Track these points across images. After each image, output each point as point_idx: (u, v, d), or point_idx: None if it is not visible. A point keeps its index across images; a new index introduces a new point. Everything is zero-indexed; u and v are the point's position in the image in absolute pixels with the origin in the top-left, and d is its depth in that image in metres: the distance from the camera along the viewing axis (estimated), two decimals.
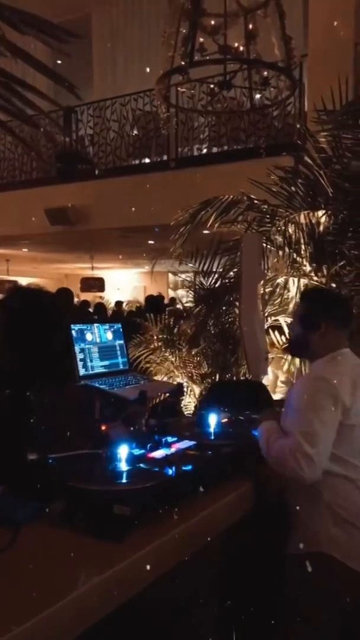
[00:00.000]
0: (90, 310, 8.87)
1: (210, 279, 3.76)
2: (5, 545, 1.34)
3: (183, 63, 3.56)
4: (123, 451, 1.75)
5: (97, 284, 13.89)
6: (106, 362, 2.12)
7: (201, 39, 3.68)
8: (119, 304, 12.15)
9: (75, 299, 11.92)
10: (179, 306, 4.56)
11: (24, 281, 14.97)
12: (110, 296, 14.10)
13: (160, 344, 3.73)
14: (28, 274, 15.61)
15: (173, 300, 7.35)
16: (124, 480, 1.62)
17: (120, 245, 10.29)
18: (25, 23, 1.22)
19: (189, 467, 1.72)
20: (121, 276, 15.68)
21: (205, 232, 4.08)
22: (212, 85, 4.21)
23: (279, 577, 1.86)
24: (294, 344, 2.27)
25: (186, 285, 4.09)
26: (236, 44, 3.77)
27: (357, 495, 1.87)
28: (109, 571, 1.31)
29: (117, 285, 15.61)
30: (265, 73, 3.70)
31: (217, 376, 3.56)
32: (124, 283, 15.72)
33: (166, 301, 9.54)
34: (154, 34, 8.19)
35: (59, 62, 9.88)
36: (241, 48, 3.79)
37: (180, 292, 9.86)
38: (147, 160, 8.30)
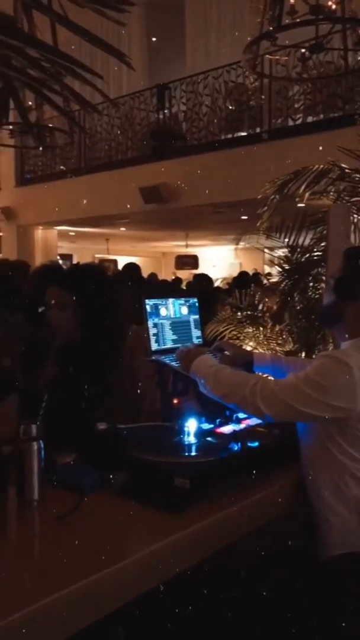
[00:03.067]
0: (183, 287, 8.94)
1: (297, 253, 3.63)
2: (69, 510, 1.40)
3: (271, 28, 3.41)
4: (191, 425, 1.75)
5: (191, 261, 13.99)
6: (179, 337, 2.12)
7: (291, 0, 3.50)
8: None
9: (172, 277, 12.12)
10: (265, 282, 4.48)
11: (123, 260, 15.43)
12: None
13: (244, 319, 3.69)
14: (127, 253, 16.04)
15: (257, 275, 7.22)
16: (186, 453, 1.63)
17: (213, 222, 10.24)
18: None
19: (255, 444, 1.69)
20: (216, 253, 15.65)
21: (301, 205, 3.94)
22: (303, 50, 4.00)
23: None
24: (324, 313, 1.93)
25: (270, 260, 3.98)
26: (329, 3, 3.55)
27: None
28: (166, 540, 1.33)
29: (213, 262, 15.61)
30: None
31: (303, 354, 3.46)
32: (219, 260, 15.69)
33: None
34: (247, 2, 7.95)
35: (154, 39, 9.95)
36: (334, 7, 3.56)
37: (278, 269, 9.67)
38: (240, 134, 8.14)
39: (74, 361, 1.98)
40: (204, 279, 6.88)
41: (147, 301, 2.08)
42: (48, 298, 2.09)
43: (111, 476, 1.56)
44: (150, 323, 2.07)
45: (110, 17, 1.41)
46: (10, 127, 4.34)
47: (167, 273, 15.62)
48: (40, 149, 7.34)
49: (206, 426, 1.83)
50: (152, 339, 2.06)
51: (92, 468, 1.61)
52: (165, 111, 8.84)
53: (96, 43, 1.35)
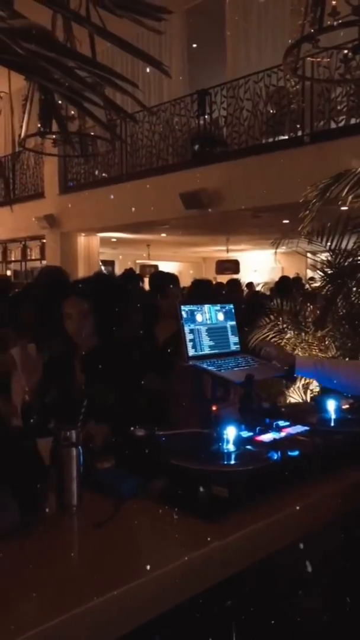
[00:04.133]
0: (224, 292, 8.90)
1: (339, 257, 3.56)
2: (107, 517, 1.41)
3: (312, 31, 3.36)
4: (230, 432, 1.74)
5: (231, 266, 13.92)
6: (216, 343, 2.11)
7: (333, 1, 3.45)
8: (250, 285, 12.06)
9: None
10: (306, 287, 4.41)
11: (164, 265, 15.51)
12: (247, 278, 14.04)
13: (285, 325, 3.64)
14: (167, 259, 16.11)
15: (298, 280, 7.11)
16: (225, 462, 1.61)
17: (254, 226, 10.18)
18: (119, 6, 1.22)
19: (296, 453, 1.66)
20: (257, 257, 15.53)
21: (344, 208, 3.87)
22: (345, 51, 3.94)
23: None
24: None
25: (312, 264, 3.92)
26: None
27: None
28: (204, 549, 1.31)
29: (254, 266, 15.50)
30: None
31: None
32: (260, 264, 15.56)
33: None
34: (288, 5, 7.90)
35: (194, 45, 9.99)
36: None
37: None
38: (281, 138, 8.07)
39: (99, 367, 2.03)
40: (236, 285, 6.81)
41: (182, 307, 2.08)
42: (68, 308, 2.17)
43: (149, 483, 1.55)
44: (186, 329, 2.07)
45: (148, 25, 1.42)
46: (54, 136, 4.43)
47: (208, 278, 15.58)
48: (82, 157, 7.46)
49: (245, 434, 1.81)
50: (189, 344, 2.05)
51: (130, 474, 1.62)
52: (206, 117, 8.85)
53: (134, 53, 1.36)
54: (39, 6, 1.24)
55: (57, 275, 3.18)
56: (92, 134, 5.34)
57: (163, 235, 12.47)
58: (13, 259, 13.86)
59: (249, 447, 1.73)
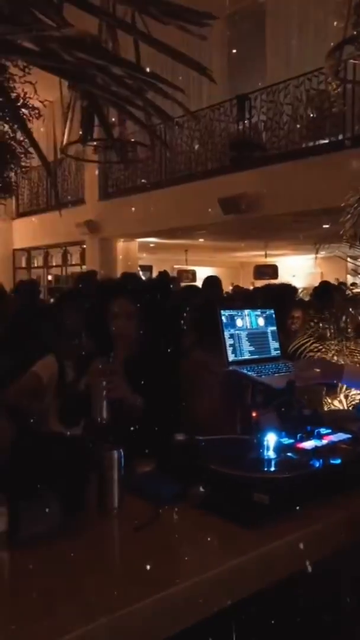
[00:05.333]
0: None
1: None
2: (147, 521, 1.41)
3: (355, 33, 3.32)
4: (271, 439, 1.72)
5: (269, 271, 13.81)
6: (256, 349, 2.09)
7: None
8: None
9: (251, 287, 12.01)
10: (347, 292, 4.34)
11: (201, 271, 15.51)
12: None
13: (326, 332, 3.58)
14: (205, 264, 16.10)
15: (339, 286, 6.98)
16: (266, 469, 1.59)
17: (293, 231, 10.07)
18: (164, 12, 1.23)
19: (338, 461, 1.63)
20: (296, 263, 15.36)
21: None
22: None
23: None
24: None
25: (353, 269, 3.85)
26: None
27: None
28: (244, 557, 1.30)
29: (292, 272, 15.33)
30: None
31: None
32: (299, 269, 15.38)
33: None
34: (329, 8, 7.81)
35: (234, 50, 9.99)
36: None
37: None
38: (321, 142, 7.98)
39: (140, 371, 2.03)
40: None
41: (222, 312, 2.07)
42: (116, 308, 2.18)
43: (189, 488, 1.55)
44: (226, 334, 2.06)
45: (193, 32, 1.42)
46: (95, 143, 4.50)
47: (245, 283, 15.51)
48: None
49: (286, 441, 1.78)
50: (229, 349, 2.04)
51: (170, 479, 1.62)
52: (245, 121, 8.83)
53: (179, 58, 1.36)
54: (84, 14, 1.26)
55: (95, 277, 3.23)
56: (133, 140, 5.40)
57: (201, 240, 12.48)
58: (54, 264, 14.11)
59: (290, 454, 1.71)
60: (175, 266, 15.85)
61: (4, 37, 0.76)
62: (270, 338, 2.15)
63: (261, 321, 2.14)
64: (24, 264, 14.74)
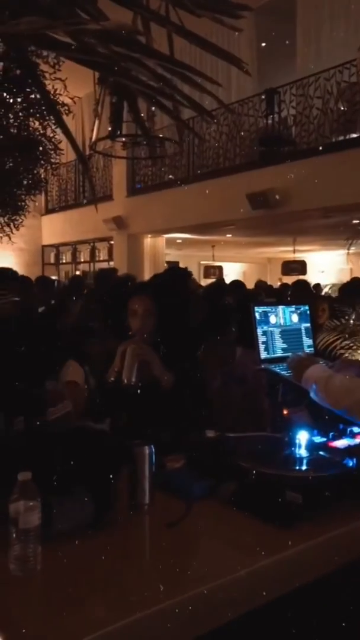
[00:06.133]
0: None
1: None
2: (178, 518, 1.40)
3: None
4: (303, 437, 1.69)
5: (298, 267, 13.64)
6: (289, 346, 2.06)
7: None
8: (317, 286, 11.79)
9: (278, 283, 11.92)
10: None
11: (228, 266, 15.44)
12: (313, 280, 13.75)
13: (358, 329, 3.52)
14: (232, 259, 16.03)
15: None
16: (298, 467, 1.57)
17: (323, 227, 9.95)
18: (197, 4, 1.21)
19: None
20: (325, 259, 15.17)
21: None
22: None
23: None
24: None
25: None
26: None
27: None
28: (275, 557, 1.28)
29: (321, 268, 15.15)
30: None
31: None
32: (328, 265, 15.19)
33: None
34: None
35: (263, 44, 9.88)
36: None
37: None
38: (352, 135, 7.84)
39: None
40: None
41: (256, 308, 2.04)
42: (134, 306, 2.20)
43: (219, 485, 1.54)
44: (259, 331, 2.03)
45: (227, 23, 1.40)
46: (124, 139, 4.51)
47: (273, 279, 15.39)
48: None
49: (318, 439, 1.76)
50: (261, 347, 2.02)
51: (200, 475, 1.61)
52: (274, 116, 8.73)
53: (213, 50, 1.35)
54: (117, 7, 1.26)
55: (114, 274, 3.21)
56: (162, 136, 5.38)
57: (228, 236, 12.41)
58: (82, 260, 14.21)
59: (322, 453, 1.68)
60: (202, 262, 15.81)
61: (43, 32, 0.75)
62: (304, 335, 2.11)
63: (295, 317, 2.11)
64: (52, 260, 14.88)
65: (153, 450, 1.52)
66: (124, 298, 2.28)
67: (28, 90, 6.21)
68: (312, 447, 1.69)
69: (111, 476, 1.40)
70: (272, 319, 2.06)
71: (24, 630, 1.01)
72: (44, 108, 6.19)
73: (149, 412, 2.00)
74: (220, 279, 11.39)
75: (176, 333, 2.19)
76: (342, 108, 7.98)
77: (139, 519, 1.48)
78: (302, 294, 6.45)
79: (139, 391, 2.04)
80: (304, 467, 1.58)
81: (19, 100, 6.44)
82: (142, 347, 2.09)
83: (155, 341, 2.18)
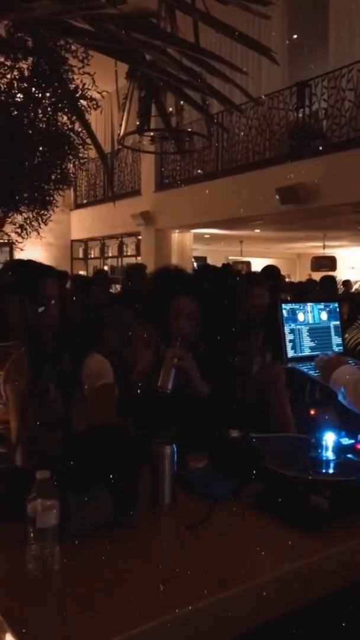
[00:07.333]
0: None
1: None
2: (200, 519, 1.37)
3: None
4: (330, 439, 1.64)
5: (328, 263, 13.46)
6: (318, 344, 2.01)
7: None
8: (347, 282, 11.59)
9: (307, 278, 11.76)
10: None
11: (256, 262, 15.31)
12: (343, 276, 13.54)
13: None
14: (260, 255, 15.88)
15: None
16: (325, 470, 1.52)
17: (353, 222, 9.76)
18: None
19: None
20: (356, 254, 14.92)
21: None
22: None
23: None
24: None
25: None
26: None
27: None
28: (300, 562, 1.24)
29: (351, 263, 14.91)
30: None
31: None
32: (358, 262, 14.94)
33: None
34: None
35: (295, 36, 9.72)
36: None
37: None
38: None
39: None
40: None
41: (283, 305, 2.00)
42: (178, 307, 2.04)
43: (243, 487, 1.50)
44: (286, 329, 1.99)
45: (255, 11, 1.35)
46: (152, 133, 4.48)
47: (302, 275, 15.21)
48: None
49: (346, 441, 1.70)
50: (289, 345, 1.97)
51: (223, 476, 1.57)
52: (305, 109, 8.58)
53: (241, 40, 1.30)
54: None
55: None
56: (190, 130, 5.34)
57: (257, 231, 12.29)
58: (110, 255, 14.27)
59: (350, 455, 1.63)
60: (230, 257, 15.72)
61: (60, 17, 0.72)
62: (332, 333, 2.06)
63: (324, 315, 2.05)
64: (81, 255, 14.99)
65: (175, 449, 1.49)
66: (169, 295, 2.10)
67: (56, 85, 6.23)
68: (339, 449, 1.63)
69: (132, 475, 1.37)
70: (300, 317, 2.01)
71: (39, 631, 1.00)
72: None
73: (178, 416, 1.93)
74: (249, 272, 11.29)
75: (219, 340, 2.04)
76: None
77: (159, 520, 1.45)
78: (329, 290, 6.33)
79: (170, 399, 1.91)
80: (330, 471, 1.53)
81: (47, 95, 6.46)
82: (183, 353, 1.93)
83: (196, 346, 2.02)
